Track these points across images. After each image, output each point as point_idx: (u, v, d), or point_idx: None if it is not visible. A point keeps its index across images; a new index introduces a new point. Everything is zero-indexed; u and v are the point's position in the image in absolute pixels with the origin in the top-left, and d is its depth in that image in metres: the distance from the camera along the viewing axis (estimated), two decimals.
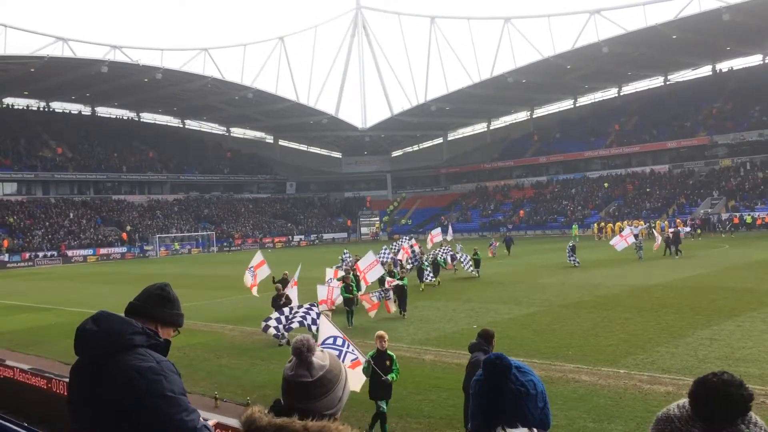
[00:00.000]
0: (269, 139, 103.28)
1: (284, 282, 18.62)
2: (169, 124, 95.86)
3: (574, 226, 61.67)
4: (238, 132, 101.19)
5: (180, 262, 56.32)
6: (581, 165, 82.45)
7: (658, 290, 22.24)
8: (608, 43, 66.52)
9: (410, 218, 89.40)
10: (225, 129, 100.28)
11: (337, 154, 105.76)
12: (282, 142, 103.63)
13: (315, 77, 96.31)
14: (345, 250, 28.68)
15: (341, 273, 21.52)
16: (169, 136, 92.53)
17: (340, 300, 18.70)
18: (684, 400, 1.66)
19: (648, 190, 71.57)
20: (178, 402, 2.59)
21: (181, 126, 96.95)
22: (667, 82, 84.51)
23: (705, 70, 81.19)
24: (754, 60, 77.32)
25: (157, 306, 2.86)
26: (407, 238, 33.34)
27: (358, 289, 20.01)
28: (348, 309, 18.68)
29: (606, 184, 76.51)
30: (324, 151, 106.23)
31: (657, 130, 77.41)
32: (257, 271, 21.51)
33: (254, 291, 21.77)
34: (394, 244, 32.57)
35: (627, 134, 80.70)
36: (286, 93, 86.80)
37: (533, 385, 1.90)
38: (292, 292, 17.26)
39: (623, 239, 34.08)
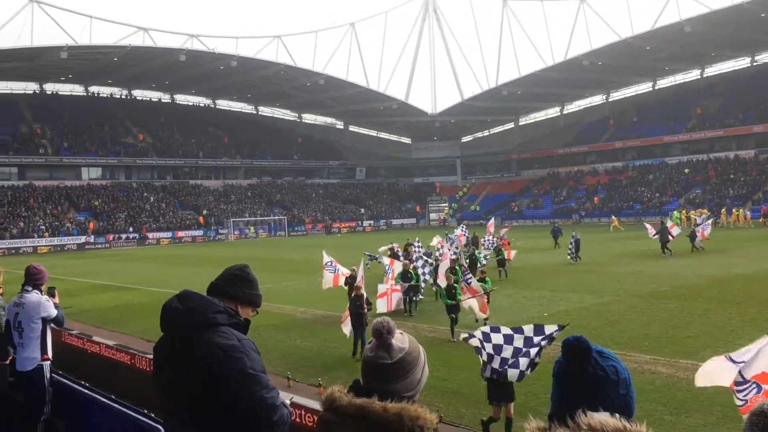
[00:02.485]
0: (339, 124, 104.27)
1: (353, 278, 16.90)
2: (243, 110, 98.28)
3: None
4: (309, 118, 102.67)
5: (252, 245, 57.84)
6: (659, 150, 79.41)
7: (740, 280, 21.26)
8: (691, 23, 63.53)
9: (479, 204, 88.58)
10: (296, 115, 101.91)
11: (406, 140, 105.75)
12: (352, 128, 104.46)
13: (385, 63, 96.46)
14: (417, 238, 26.41)
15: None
16: (243, 122, 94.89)
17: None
18: None
19: (732, 176, 68.25)
20: (258, 379, 2.67)
21: (255, 112, 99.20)
22: (754, 63, 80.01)
23: None
24: None
25: (237, 286, 2.96)
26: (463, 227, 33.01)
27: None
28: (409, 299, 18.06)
29: (686, 170, 73.43)
30: (393, 137, 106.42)
31: (743, 113, 73.55)
32: (336, 265, 19.09)
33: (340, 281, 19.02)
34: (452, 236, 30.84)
35: (710, 118, 77.08)
36: (356, 79, 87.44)
37: (614, 371, 1.88)
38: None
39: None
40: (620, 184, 77.26)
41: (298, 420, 7.64)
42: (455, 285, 15.18)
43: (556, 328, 7.75)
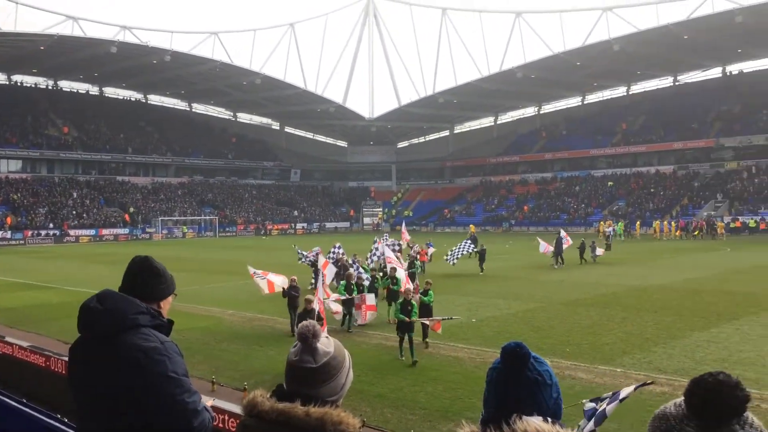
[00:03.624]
0: (275, 125, 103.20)
1: (295, 288, 16.40)
2: (176, 106, 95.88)
3: (620, 222, 58.45)
4: (244, 117, 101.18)
5: (178, 245, 56.47)
6: (586, 163, 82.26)
7: (657, 291, 22.25)
8: (619, 41, 66.17)
9: (413, 210, 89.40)
10: (231, 114, 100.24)
11: (342, 143, 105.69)
12: (288, 129, 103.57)
13: (324, 65, 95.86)
14: (337, 244, 24.93)
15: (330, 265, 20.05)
16: (175, 118, 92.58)
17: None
18: (681, 399, 1.68)
19: (652, 190, 71.42)
20: (181, 383, 2.61)
21: (188, 109, 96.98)
22: (677, 83, 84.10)
23: (715, 72, 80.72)
24: (765, 63, 76.84)
25: (152, 286, 2.83)
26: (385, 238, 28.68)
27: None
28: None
29: (610, 183, 76.35)
30: (330, 140, 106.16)
31: (664, 130, 77.16)
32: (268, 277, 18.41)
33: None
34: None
35: (634, 133, 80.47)
36: (294, 80, 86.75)
37: (549, 376, 1.92)
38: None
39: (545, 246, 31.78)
40: (549, 194, 79.57)
41: (220, 425, 7.51)
42: (413, 302, 13.81)
43: (636, 385, 7.25)
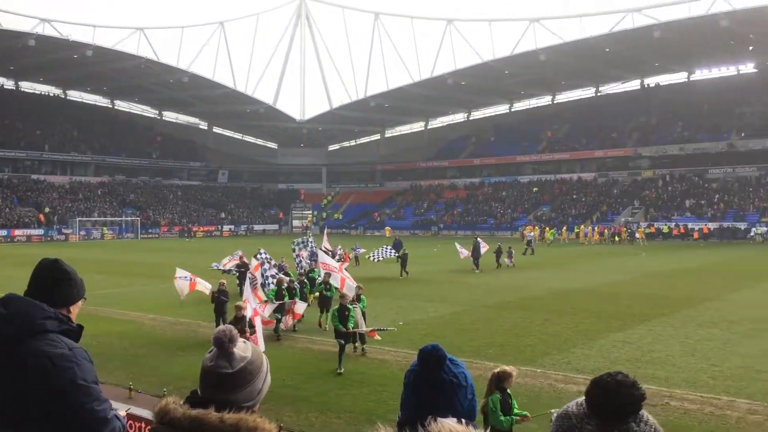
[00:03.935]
0: (203, 125, 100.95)
1: (224, 293, 15.84)
2: (97, 103, 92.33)
3: (551, 231, 58.94)
4: (170, 116, 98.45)
5: (98, 247, 54.47)
6: (513, 169, 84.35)
7: (577, 294, 23.04)
8: (545, 52, 68.25)
9: (343, 213, 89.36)
10: (157, 112, 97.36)
11: (272, 145, 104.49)
12: (216, 129, 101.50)
13: (254, 66, 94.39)
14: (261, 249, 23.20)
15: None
16: (97, 116, 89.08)
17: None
18: (582, 398, 1.74)
19: (575, 196, 73.99)
20: (90, 391, 2.52)
21: (110, 106, 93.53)
22: (598, 93, 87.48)
23: (634, 84, 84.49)
24: (680, 77, 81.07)
25: (63, 290, 2.73)
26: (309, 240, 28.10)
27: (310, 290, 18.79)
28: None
29: (535, 189, 78.59)
30: (259, 141, 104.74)
31: (586, 139, 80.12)
32: (195, 280, 18.40)
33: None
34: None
35: (558, 141, 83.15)
36: (223, 79, 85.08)
37: (464, 378, 1.95)
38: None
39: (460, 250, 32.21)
40: (477, 199, 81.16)
41: None
42: (350, 307, 13.29)
43: None
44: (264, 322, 14.41)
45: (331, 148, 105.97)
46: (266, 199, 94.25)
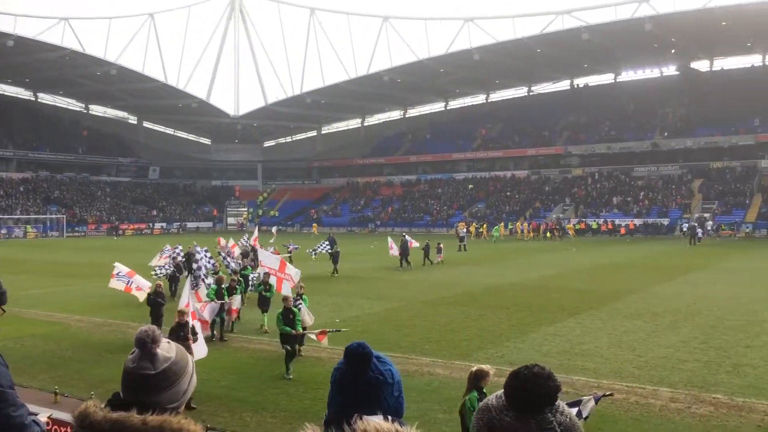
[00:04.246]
0: (133, 119, 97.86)
1: (161, 295, 15.28)
2: (19, 95, 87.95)
3: (496, 227, 59.11)
4: (98, 110, 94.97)
5: (20, 246, 52.19)
6: (449, 166, 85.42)
7: (511, 288, 23.54)
8: (479, 51, 69.37)
9: (279, 210, 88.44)
10: (83, 105, 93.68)
11: (206, 141, 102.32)
12: (147, 124, 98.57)
13: (186, 59, 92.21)
14: (195, 243, 23.59)
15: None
16: (19, 108, 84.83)
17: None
18: (502, 391, 1.78)
19: (508, 193, 75.57)
20: (4, 396, 2.42)
21: (33, 99, 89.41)
22: (531, 93, 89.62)
23: (564, 84, 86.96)
24: (607, 78, 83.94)
25: None
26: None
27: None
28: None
29: (471, 186, 79.86)
30: (192, 137, 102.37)
31: (519, 137, 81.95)
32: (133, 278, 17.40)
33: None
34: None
35: (492, 139, 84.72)
36: (153, 73, 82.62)
37: (391, 375, 1.95)
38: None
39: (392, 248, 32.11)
40: (413, 196, 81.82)
41: None
42: (295, 309, 12.69)
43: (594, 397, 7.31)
44: (202, 323, 13.46)
45: (267, 144, 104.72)
46: (200, 196, 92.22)
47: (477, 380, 6.73)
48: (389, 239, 33.26)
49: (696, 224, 53.09)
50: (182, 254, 23.61)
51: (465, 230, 48.61)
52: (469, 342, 14.63)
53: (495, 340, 14.70)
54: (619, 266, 31.93)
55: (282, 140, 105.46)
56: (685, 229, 52.29)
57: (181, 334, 10.82)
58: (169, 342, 2.08)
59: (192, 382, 2.09)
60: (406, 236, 33.10)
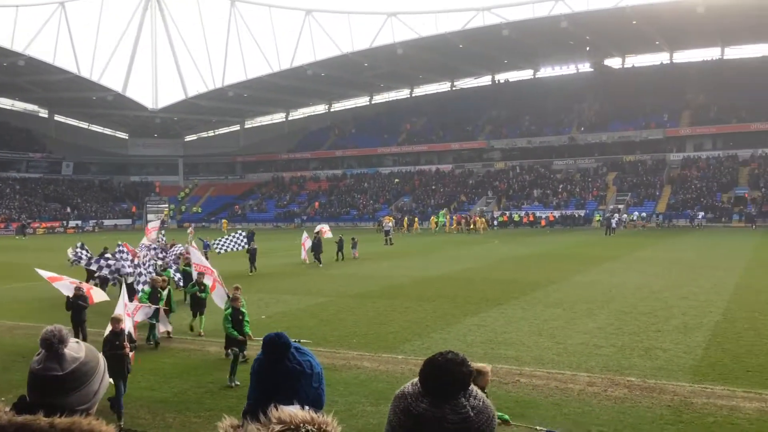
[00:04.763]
0: (43, 112, 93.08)
1: (82, 298, 14.07)
2: None
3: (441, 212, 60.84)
4: (5, 103, 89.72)
5: None
6: (374, 160, 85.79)
7: (437, 281, 23.88)
8: (403, 46, 69.90)
9: (202, 206, 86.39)
10: None
11: (123, 135, 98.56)
12: (59, 118, 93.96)
13: (101, 50, 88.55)
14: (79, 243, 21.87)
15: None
16: None
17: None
18: (417, 378, 1.81)
19: (433, 187, 76.60)
20: None
21: None
22: (454, 88, 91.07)
23: (486, 80, 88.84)
24: (527, 74, 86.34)
25: None
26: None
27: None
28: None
29: (396, 180, 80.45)
30: (108, 131, 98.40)
31: (443, 131, 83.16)
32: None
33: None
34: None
35: (417, 134, 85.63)
36: (65, 64, 78.96)
37: (309, 365, 1.95)
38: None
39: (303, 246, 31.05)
40: (339, 191, 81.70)
41: None
42: (244, 310, 11.77)
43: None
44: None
45: (188, 138, 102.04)
46: (117, 193, 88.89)
47: (474, 380, 6.39)
48: (304, 234, 32.42)
49: (610, 215, 55.49)
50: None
51: (390, 224, 48.91)
52: (395, 334, 14.75)
53: (421, 332, 14.88)
54: (540, 257, 32.95)
55: (204, 134, 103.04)
56: (610, 220, 53.97)
57: (116, 343, 9.78)
58: (78, 342, 2.01)
59: (104, 383, 2.02)
60: (319, 234, 31.97)
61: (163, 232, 29.17)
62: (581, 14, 62.94)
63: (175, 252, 22.93)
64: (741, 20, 60.72)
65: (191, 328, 15.63)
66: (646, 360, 11.95)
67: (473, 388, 1.78)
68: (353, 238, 34.07)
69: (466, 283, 22.87)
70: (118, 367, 9.44)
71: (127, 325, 10.68)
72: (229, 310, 11.79)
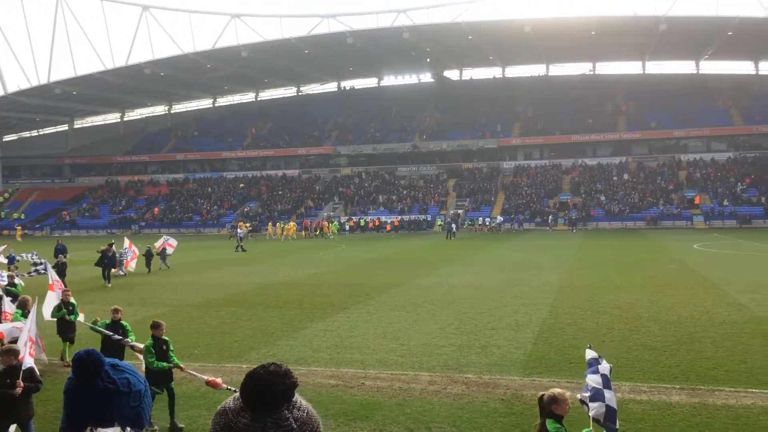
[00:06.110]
0: None
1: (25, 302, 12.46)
2: None
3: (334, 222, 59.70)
4: None
5: None
6: (219, 165, 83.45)
7: (283, 287, 23.61)
8: (247, 48, 68.67)
9: (24, 212, 78.92)
10: None
11: None
12: None
13: None
14: None
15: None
16: None
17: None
18: (239, 393, 1.74)
19: (280, 192, 75.90)
20: None
21: None
22: (300, 93, 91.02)
23: (332, 86, 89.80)
24: (372, 82, 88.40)
25: None
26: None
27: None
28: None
29: (242, 185, 78.74)
30: None
31: (290, 136, 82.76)
32: None
33: None
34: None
35: (263, 138, 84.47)
36: None
37: (127, 383, 1.81)
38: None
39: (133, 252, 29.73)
40: (181, 195, 78.40)
41: None
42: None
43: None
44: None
45: (8, 138, 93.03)
46: None
47: (549, 405, 5.79)
48: (126, 240, 30.63)
49: (451, 220, 58.25)
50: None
51: (243, 230, 47.69)
52: (240, 343, 14.37)
53: (267, 340, 14.62)
54: (385, 261, 33.74)
55: (26, 134, 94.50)
56: (450, 224, 56.37)
57: (8, 381, 7.41)
58: None
59: None
60: (166, 238, 31.28)
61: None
62: (422, 27, 65.62)
63: None
64: (564, 41, 66.61)
65: (62, 357, 13.41)
66: (482, 357, 12.60)
67: (298, 398, 1.73)
68: (161, 249, 31.63)
69: (312, 289, 22.83)
70: (10, 410, 7.41)
71: (29, 361, 8.06)
72: (150, 342, 9.72)
